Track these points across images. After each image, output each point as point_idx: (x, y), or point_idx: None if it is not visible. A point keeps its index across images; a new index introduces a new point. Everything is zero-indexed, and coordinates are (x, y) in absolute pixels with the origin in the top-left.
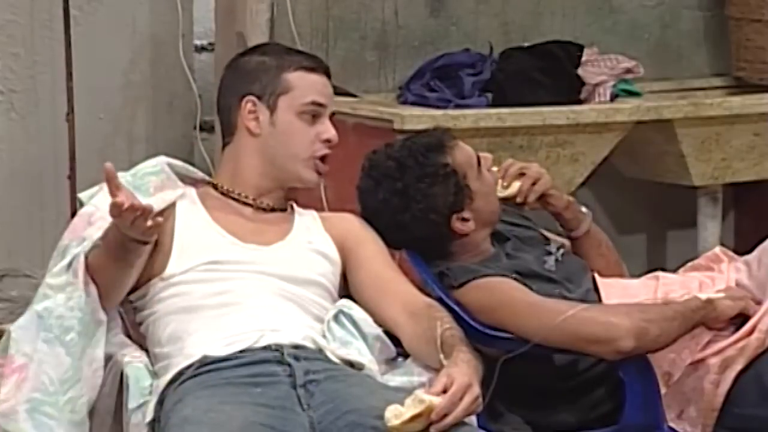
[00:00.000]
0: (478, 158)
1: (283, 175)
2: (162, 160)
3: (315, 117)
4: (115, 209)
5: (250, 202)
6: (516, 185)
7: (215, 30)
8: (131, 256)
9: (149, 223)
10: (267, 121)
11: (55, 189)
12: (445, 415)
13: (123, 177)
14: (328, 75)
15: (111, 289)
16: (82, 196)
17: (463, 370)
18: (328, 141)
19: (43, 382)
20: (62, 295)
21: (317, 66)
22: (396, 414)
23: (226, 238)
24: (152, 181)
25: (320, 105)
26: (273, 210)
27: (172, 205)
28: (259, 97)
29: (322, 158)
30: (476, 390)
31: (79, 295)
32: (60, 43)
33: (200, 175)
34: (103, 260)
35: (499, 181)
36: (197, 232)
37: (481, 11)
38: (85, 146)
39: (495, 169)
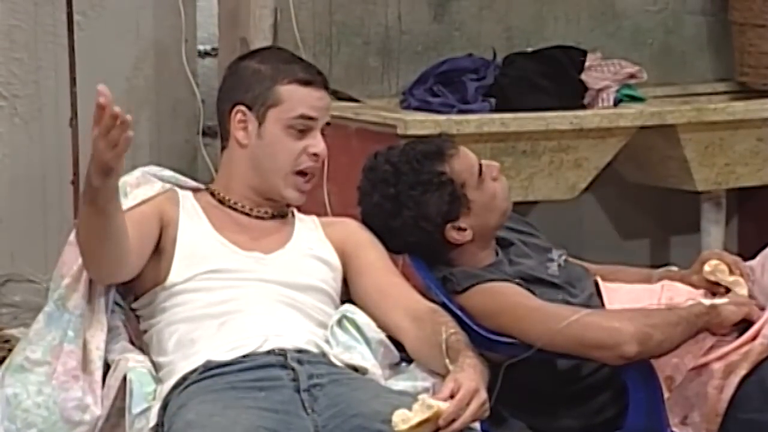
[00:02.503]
0: (481, 168)
1: (266, 188)
2: (142, 169)
3: (304, 131)
4: (98, 111)
5: (247, 211)
6: (741, 280)
7: (218, 35)
8: (101, 200)
9: (124, 135)
10: (255, 133)
11: (59, 194)
12: (453, 420)
13: None
14: (325, 87)
15: (99, 258)
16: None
17: (470, 375)
18: (315, 155)
19: None
20: (34, 376)
21: (312, 78)
22: (404, 419)
23: (227, 247)
24: (127, 182)
25: (309, 118)
26: (272, 217)
27: (174, 212)
28: (249, 107)
29: (305, 174)
30: (483, 395)
31: (49, 393)
32: (63, 49)
33: (191, 183)
34: (83, 218)
35: (724, 268)
36: (198, 241)
37: (484, 16)
38: (88, 151)
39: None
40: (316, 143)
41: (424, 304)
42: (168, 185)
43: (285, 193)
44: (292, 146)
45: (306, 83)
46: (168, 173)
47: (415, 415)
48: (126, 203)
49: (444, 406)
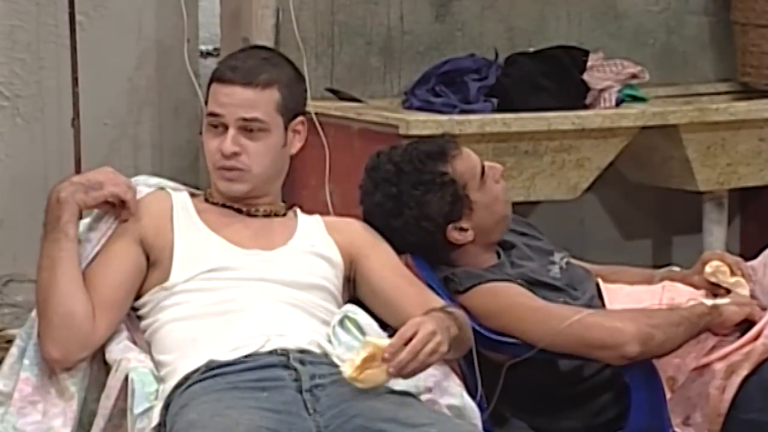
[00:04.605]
0: (483, 169)
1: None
2: None
3: (218, 127)
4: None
5: (237, 209)
6: (743, 281)
7: (221, 35)
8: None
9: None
10: None
11: None
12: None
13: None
14: (246, 84)
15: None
16: None
17: (423, 318)
18: (221, 152)
19: None
20: (2, 408)
21: (221, 75)
22: (350, 364)
23: (226, 246)
24: None
25: (214, 115)
26: (267, 215)
27: (162, 216)
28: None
29: (229, 168)
30: (432, 327)
31: (8, 419)
32: (66, 49)
33: (182, 188)
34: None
35: (725, 269)
36: (196, 241)
37: (486, 16)
38: (90, 152)
39: None
40: (223, 139)
41: (439, 302)
42: (152, 188)
43: (219, 187)
44: (210, 144)
45: (218, 80)
46: (154, 180)
47: (357, 355)
48: (106, 232)
49: (384, 343)
